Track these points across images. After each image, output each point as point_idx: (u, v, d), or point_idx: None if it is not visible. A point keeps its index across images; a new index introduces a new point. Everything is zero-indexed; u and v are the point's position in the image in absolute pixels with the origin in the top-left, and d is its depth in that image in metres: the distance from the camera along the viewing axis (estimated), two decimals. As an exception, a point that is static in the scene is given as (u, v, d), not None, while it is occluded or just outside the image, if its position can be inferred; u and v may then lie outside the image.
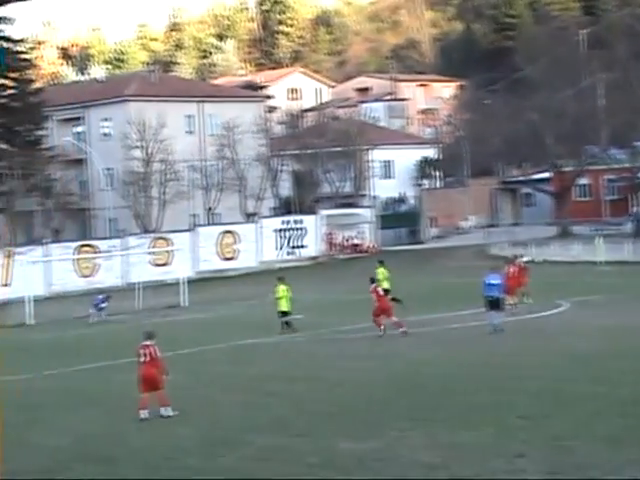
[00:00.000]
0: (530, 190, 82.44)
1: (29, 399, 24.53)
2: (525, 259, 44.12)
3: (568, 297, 39.91)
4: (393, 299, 37.68)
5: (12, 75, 74.19)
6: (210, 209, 74.42)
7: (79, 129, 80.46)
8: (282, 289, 35.74)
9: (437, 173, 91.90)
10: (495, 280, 32.27)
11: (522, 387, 22.08)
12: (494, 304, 31.79)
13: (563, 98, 74.07)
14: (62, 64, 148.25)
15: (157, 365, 21.47)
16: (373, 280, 34.60)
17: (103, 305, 45.24)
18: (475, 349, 28.43)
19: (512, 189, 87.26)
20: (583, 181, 79.47)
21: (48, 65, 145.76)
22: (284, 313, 35.35)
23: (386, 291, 38.67)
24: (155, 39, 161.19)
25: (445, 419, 19.30)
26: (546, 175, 79.06)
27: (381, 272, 39.82)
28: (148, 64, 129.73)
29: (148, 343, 21.65)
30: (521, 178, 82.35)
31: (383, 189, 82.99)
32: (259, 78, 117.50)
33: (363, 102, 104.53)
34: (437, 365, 25.93)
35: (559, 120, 73.02)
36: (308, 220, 72.07)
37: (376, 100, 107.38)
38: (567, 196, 75.91)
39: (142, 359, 21.54)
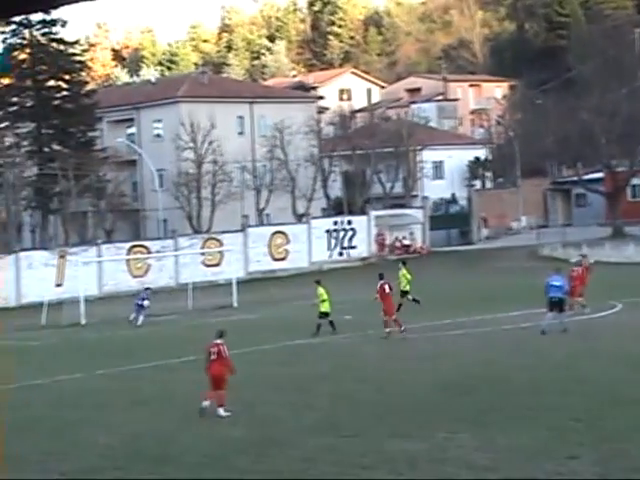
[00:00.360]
0: (583, 190, 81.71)
1: (82, 398, 24.71)
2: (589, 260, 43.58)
3: (622, 298, 39.47)
4: (414, 300, 37.88)
5: (66, 77, 74.97)
6: (263, 209, 74.55)
7: (131, 130, 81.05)
8: (322, 292, 35.51)
9: (488, 174, 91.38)
10: (558, 282, 31.94)
11: (576, 389, 21.86)
12: (557, 305, 31.47)
13: (616, 97, 73.36)
14: (116, 66, 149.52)
15: (226, 364, 21.67)
16: (382, 276, 34.40)
17: (145, 303, 43.61)
18: (527, 350, 28.20)
19: (564, 189, 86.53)
20: (636, 181, 78.58)
21: (101, 67, 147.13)
22: (326, 314, 35.25)
23: (405, 292, 38.59)
24: (206, 41, 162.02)
25: (496, 421, 19.14)
26: (599, 175, 78.33)
27: (403, 274, 39.23)
28: (199, 66, 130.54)
29: (219, 342, 21.87)
30: (574, 178, 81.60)
31: (434, 190, 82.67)
32: (310, 79, 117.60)
33: (414, 102, 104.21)
34: (488, 366, 25.73)
35: (612, 120, 72.30)
36: (358, 221, 72.01)
37: (427, 100, 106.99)
38: (620, 196, 75.13)
39: (212, 357, 21.67)
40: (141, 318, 43.13)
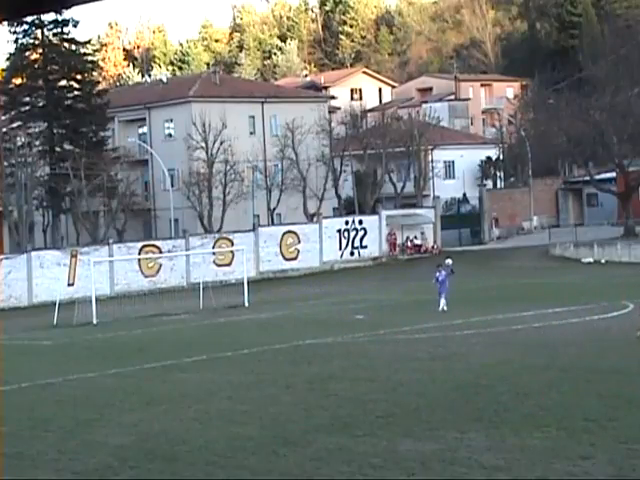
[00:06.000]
0: (594, 190, 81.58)
1: (94, 397, 24.74)
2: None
3: (634, 298, 39.37)
4: None
5: (77, 77, 75.13)
6: (274, 209, 74.59)
7: (143, 130, 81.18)
8: None
9: (499, 173, 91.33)
10: None
11: (588, 389, 21.80)
12: None
13: (628, 97, 73.23)
14: (127, 65, 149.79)
15: None
16: None
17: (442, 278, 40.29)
18: (539, 350, 28.14)
19: (576, 189, 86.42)
20: (649, 181, 78.36)
21: (113, 67, 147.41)
22: None
23: None
24: (218, 40, 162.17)
25: (509, 421, 19.11)
26: (611, 175, 78.17)
27: None
28: (211, 65, 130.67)
29: None
30: (585, 178, 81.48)
31: (445, 189, 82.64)
32: (321, 79, 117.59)
33: (425, 102, 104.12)
34: (499, 366, 25.69)
35: (624, 119, 72.18)
36: (370, 220, 72.01)
37: (438, 100, 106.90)
38: (632, 196, 74.94)
39: None
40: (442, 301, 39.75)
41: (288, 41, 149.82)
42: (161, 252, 63.10)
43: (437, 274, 40.97)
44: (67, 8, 61.27)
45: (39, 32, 73.42)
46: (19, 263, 58.91)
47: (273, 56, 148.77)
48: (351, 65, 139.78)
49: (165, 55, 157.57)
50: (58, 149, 73.22)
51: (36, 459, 18.36)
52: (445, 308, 39.59)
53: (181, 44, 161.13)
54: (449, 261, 43.04)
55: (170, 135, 79.11)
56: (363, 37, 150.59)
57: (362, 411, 20.79)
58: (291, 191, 74.14)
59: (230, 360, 30.17)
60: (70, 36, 74.70)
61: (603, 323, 33.97)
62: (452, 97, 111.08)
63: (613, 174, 77.50)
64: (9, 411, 22.85)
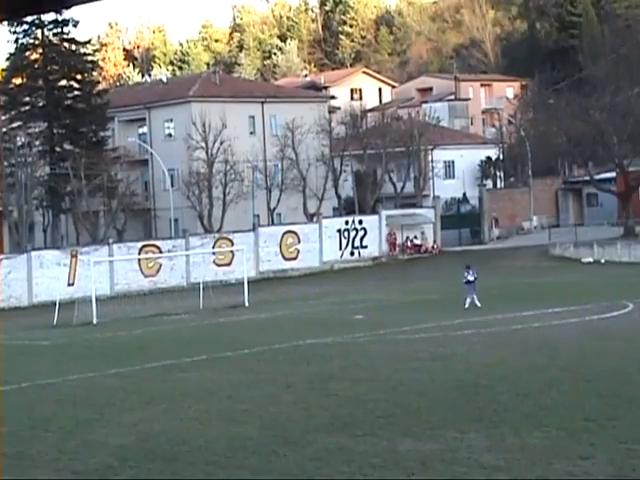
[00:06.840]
0: (594, 190, 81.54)
1: (94, 397, 24.74)
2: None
3: (633, 298, 39.40)
4: None
5: (77, 77, 75.11)
6: (274, 209, 74.55)
7: (143, 130, 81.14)
8: None
9: (499, 173, 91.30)
10: None
11: (588, 389, 21.81)
12: None
13: (628, 97, 73.25)
14: (127, 65, 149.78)
15: None
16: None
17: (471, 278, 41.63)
18: (538, 350, 28.15)
19: (576, 189, 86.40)
20: (649, 181, 78.35)
21: (113, 67, 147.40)
22: None
23: None
24: (218, 40, 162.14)
25: (509, 420, 19.12)
26: (610, 175, 78.16)
27: None
28: (211, 65, 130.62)
29: None
30: (585, 178, 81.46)
31: (445, 189, 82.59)
32: (321, 79, 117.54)
33: (425, 102, 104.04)
34: (499, 366, 25.70)
35: (624, 119, 72.19)
36: (370, 220, 72.01)
37: (438, 100, 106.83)
38: (632, 196, 74.94)
39: None
40: (468, 300, 40.88)
41: (288, 41, 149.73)
42: (161, 252, 63.08)
43: (465, 273, 41.88)
44: (67, 8, 61.26)
45: (39, 32, 73.37)
46: (19, 263, 58.91)
47: (273, 56, 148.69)
48: (351, 65, 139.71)
49: (165, 55, 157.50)
50: (58, 149, 73.18)
51: (36, 459, 18.36)
52: (470, 305, 40.22)
53: (181, 44, 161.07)
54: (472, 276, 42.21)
55: (170, 135, 79.06)
56: (363, 37, 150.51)
57: (362, 411, 20.79)
58: (291, 191, 74.08)
59: (230, 360, 30.18)
60: (70, 36, 74.64)
61: (603, 323, 33.98)
62: (452, 97, 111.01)
63: (613, 174, 77.47)
64: (9, 411, 22.86)
